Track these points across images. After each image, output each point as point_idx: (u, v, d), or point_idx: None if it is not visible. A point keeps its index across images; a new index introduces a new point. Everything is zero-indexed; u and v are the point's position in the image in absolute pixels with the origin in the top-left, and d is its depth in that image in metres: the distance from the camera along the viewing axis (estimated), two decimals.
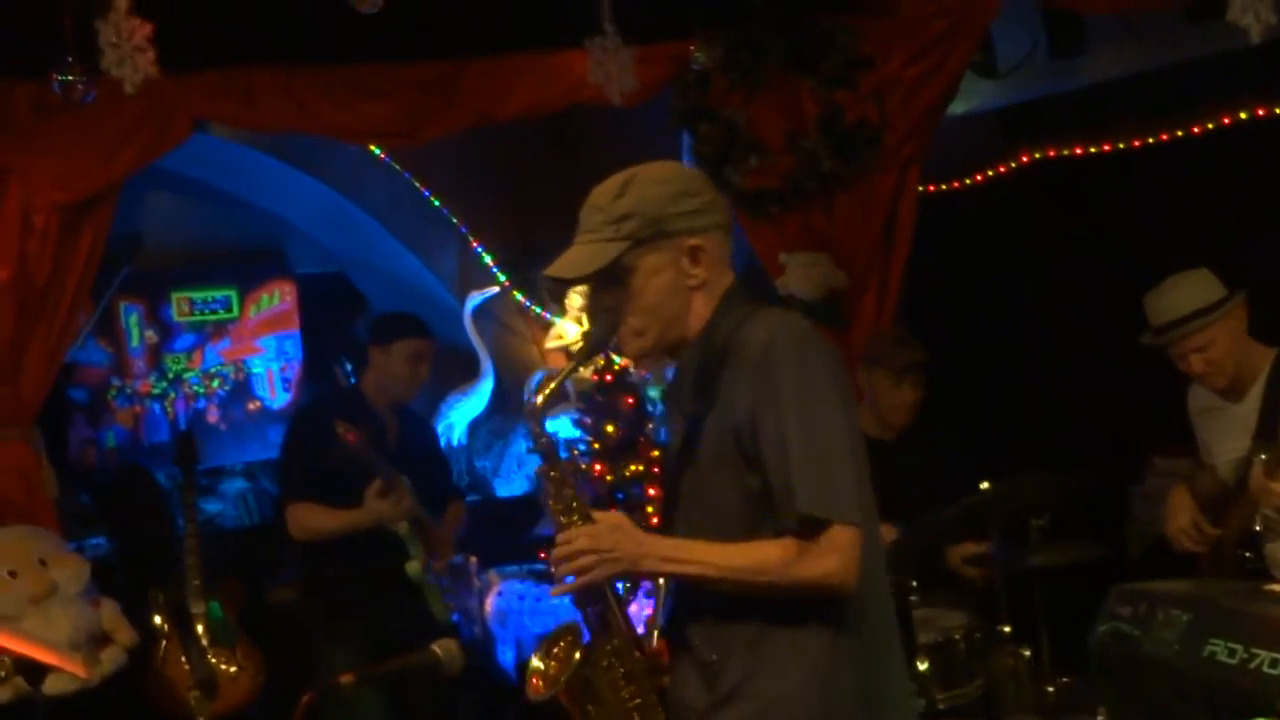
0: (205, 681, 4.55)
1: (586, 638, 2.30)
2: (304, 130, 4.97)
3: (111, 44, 3.50)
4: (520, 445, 6.70)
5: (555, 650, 2.28)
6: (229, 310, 6.83)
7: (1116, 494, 5.34)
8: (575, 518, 2.23)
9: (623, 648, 2.27)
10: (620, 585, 2.30)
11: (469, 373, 6.54)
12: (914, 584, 3.73)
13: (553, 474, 2.28)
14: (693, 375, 2.26)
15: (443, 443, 6.53)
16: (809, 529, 2.07)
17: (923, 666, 3.67)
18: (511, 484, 6.59)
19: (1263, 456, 3.15)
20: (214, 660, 4.61)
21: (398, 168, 6.32)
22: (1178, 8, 4.99)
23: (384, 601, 4.11)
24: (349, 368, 6.23)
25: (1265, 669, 2.34)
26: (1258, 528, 3.39)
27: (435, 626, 4.13)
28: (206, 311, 6.80)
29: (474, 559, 5.70)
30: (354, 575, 4.12)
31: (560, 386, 2.38)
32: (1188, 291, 3.47)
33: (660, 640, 2.36)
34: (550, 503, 2.27)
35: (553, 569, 2.21)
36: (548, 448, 2.31)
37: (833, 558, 2.07)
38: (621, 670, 2.26)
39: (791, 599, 2.11)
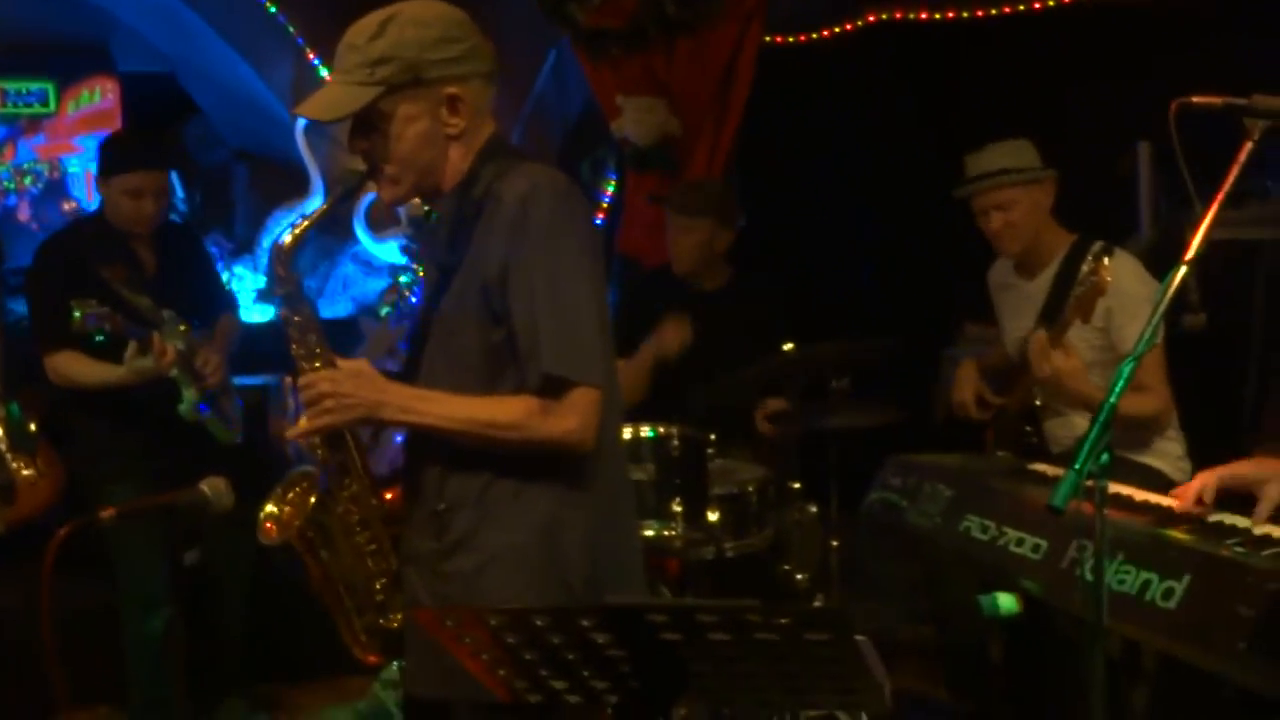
0: (3, 486, 4.40)
1: (325, 485, 2.27)
2: None
3: None
4: (348, 266, 6.54)
5: (290, 496, 2.25)
6: (45, 104, 6.41)
7: (930, 357, 5.49)
8: (319, 363, 2.19)
9: (360, 493, 2.26)
10: (366, 432, 2.27)
11: (299, 189, 6.31)
12: (711, 437, 3.77)
13: (297, 318, 2.23)
14: (449, 225, 2.21)
15: (266, 262, 6.37)
16: (552, 387, 2.07)
17: (713, 517, 3.72)
18: (335, 305, 6.43)
19: (1044, 331, 3.25)
20: (13, 464, 4.45)
21: None
22: None
23: (163, 434, 3.93)
24: (172, 174, 5.96)
25: (1012, 547, 2.44)
26: (1038, 402, 3.52)
27: (221, 450, 4.02)
28: (20, 104, 6.38)
29: (289, 378, 5.60)
30: (124, 416, 3.91)
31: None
32: (1004, 152, 3.54)
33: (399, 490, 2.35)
34: (294, 347, 2.22)
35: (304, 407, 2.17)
36: (293, 291, 2.25)
37: (573, 418, 2.07)
38: (357, 516, 2.25)
39: (523, 454, 2.11)
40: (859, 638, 1.51)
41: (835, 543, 3.98)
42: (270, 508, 2.22)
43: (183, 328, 3.89)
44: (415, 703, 2.25)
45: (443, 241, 2.23)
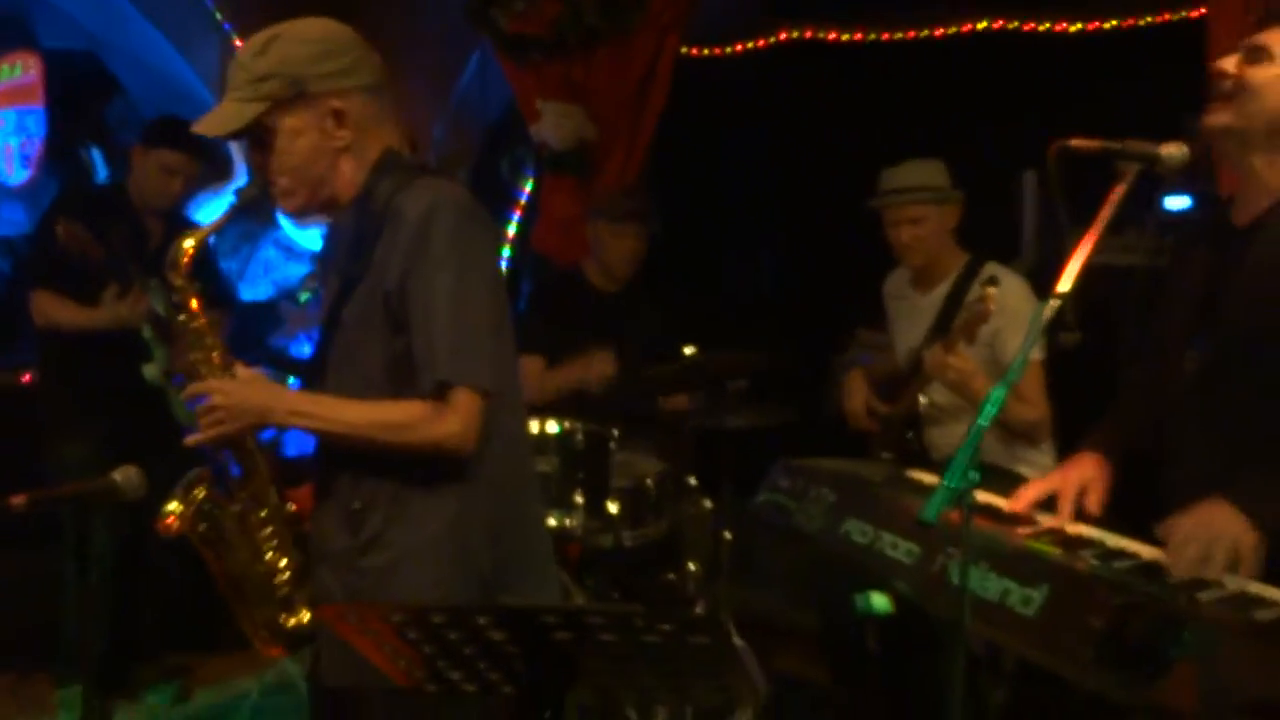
0: None
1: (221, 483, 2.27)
2: None
3: None
4: (269, 250, 6.46)
5: (194, 493, 2.22)
6: None
7: (823, 360, 5.58)
8: (212, 369, 2.19)
9: (259, 491, 2.25)
10: (269, 433, 2.27)
11: (221, 174, 6.20)
12: (615, 432, 3.80)
13: (194, 325, 2.22)
14: (349, 237, 2.20)
15: None
16: (439, 392, 2.09)
17: (614, 508, 3.76)
18: (256, 288, 6.35)
19: (939, 345, 3.34)
20: None
21: None
22: None
23: (122, 402, 3.95)
24: (94, 153, 5.83)
25: (888, 551, 2.47)
26: (919, 409, 3.61)
27: (176, 429, 3.97)
28: None
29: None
30: (92, 372, 3.95)
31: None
32: (921, 170, 3.63)
33: (304, 491, 2.34)
34: (191, 354, 2.21)
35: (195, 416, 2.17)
36: (191, 298, 2.23)
37: (453, 420, 2.09)
38: (261, 514, 2.25)
39: (431, 459, 2.13)
40: (737, 642, 1.55)
41: (728, 535, 4.05)
42: (172, 504, 2.20)
43: (163, 303, 3.88)
44: (328, 692, 2.23)
45: (343, 253, 2.22)
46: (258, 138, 2.16)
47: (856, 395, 3.72)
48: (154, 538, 4.01)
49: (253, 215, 6.19)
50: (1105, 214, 2.18)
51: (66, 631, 3.95)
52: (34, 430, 4.10)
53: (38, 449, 4.04)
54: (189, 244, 2.22)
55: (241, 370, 2.21)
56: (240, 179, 6.20)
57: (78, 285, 3.89)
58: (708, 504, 4.07)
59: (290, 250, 6.27)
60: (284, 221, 6.19)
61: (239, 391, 2.15)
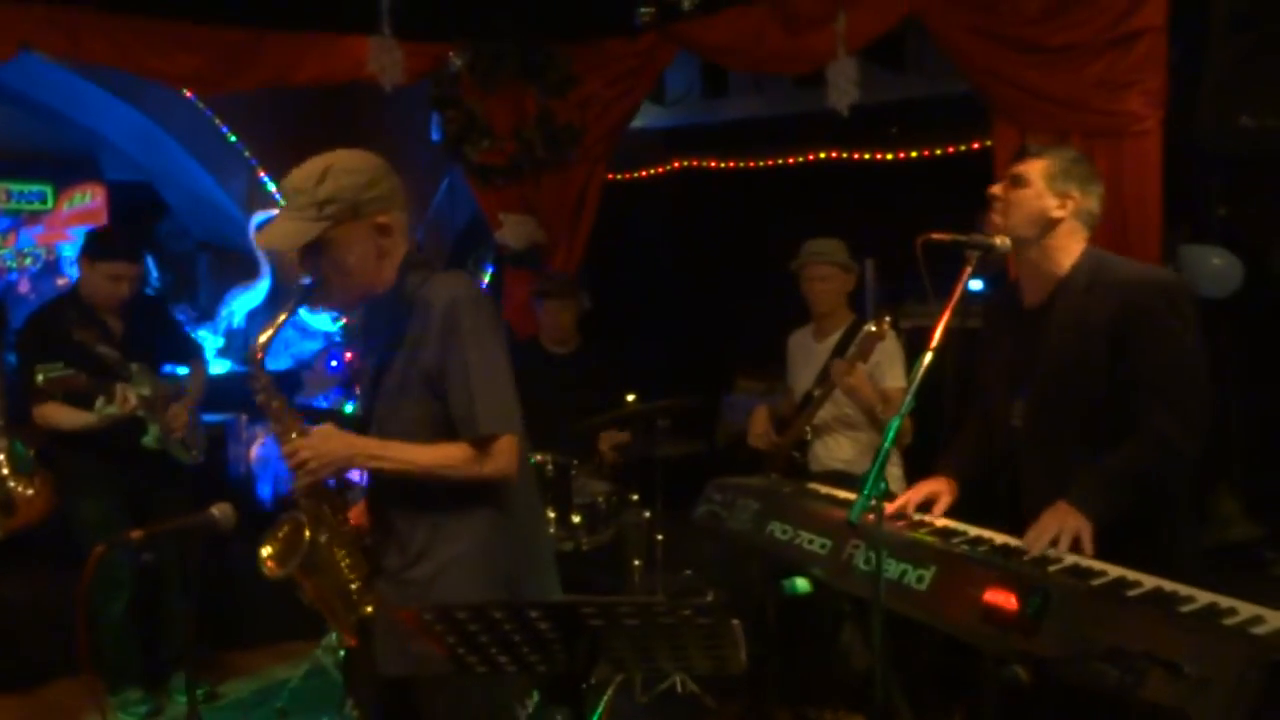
0: (4, 502, 3.98)
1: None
2: (122, 69, 4.29)
3: None
4: (288, 330, 6.25)
5: (279, 535, 2.11)
6: (44, 203, 5.92)
7: (713, 401, 5.59)
8: (295, 433, 2.08)
9: (336, 523, 2.15)
10: (331, 480, 2.16)
11: (250, 272, 6.02)
12: (575, 461, 3.76)
13: (273, 403, 2.12)
14: (385, 320, 2.13)
15: (224, 326, 6.03)
16: (485, 439, 2.03)
17: (576, 519, 3.70)
18: (279, 360, 6.14)
19: (842, 360, 3.38)
20: (13, 485, 4.06)
21: (201, 106, 5.66)
22: (789, 74, 5.17)
23: (127, 463, 3.64)
24: (150, 262, 5.59)
25: (805, 545, 2.46)
26: (807, 438, 3.62)
27: (182, 468, 3.75)
28: (23, 202, 5.87)
29: (244, 416, 5.30)
30: (98, 447, 3.61)
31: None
32: (830, 244, 3.65)
33: (361, 510, 2.24)
34: (272, 424, 2.11)
35: (291, 472, 2.05)
36: (266, 381, 2.13)
37: (502, 459, 2.04)
38: (336, 540, 2.14)
39: (463, 486, 2.06)
40: (734, 622, 1.50)
41: (660, 537, 4.00)
42: (266, 549, 2.08)
43: (148, 382, 3.59)
44: (384, 681, 2.11)
45: (380, 332, 2.14)
46: (315, 249, 2.06)
47: (759, 425, 3.70)
48: (179, 563, 3.84)
49: (277, 302, 6.00)
50: (959, 288, 2.22)
51: (114, 643, 3.70)
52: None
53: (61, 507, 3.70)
54: (263, 339, 2.11)
55: (316, 428, 2.09)
56: (265, 279, 6.02)
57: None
58: (646, 514, 4.01)
59: (305, 330, 6.08)
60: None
61: (323, 444, 2.04)
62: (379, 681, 2.10)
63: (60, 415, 3.58)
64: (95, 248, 3.64)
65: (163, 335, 3.92)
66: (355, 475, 2.62)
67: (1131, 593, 1.88)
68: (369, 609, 2.11)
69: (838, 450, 3.59)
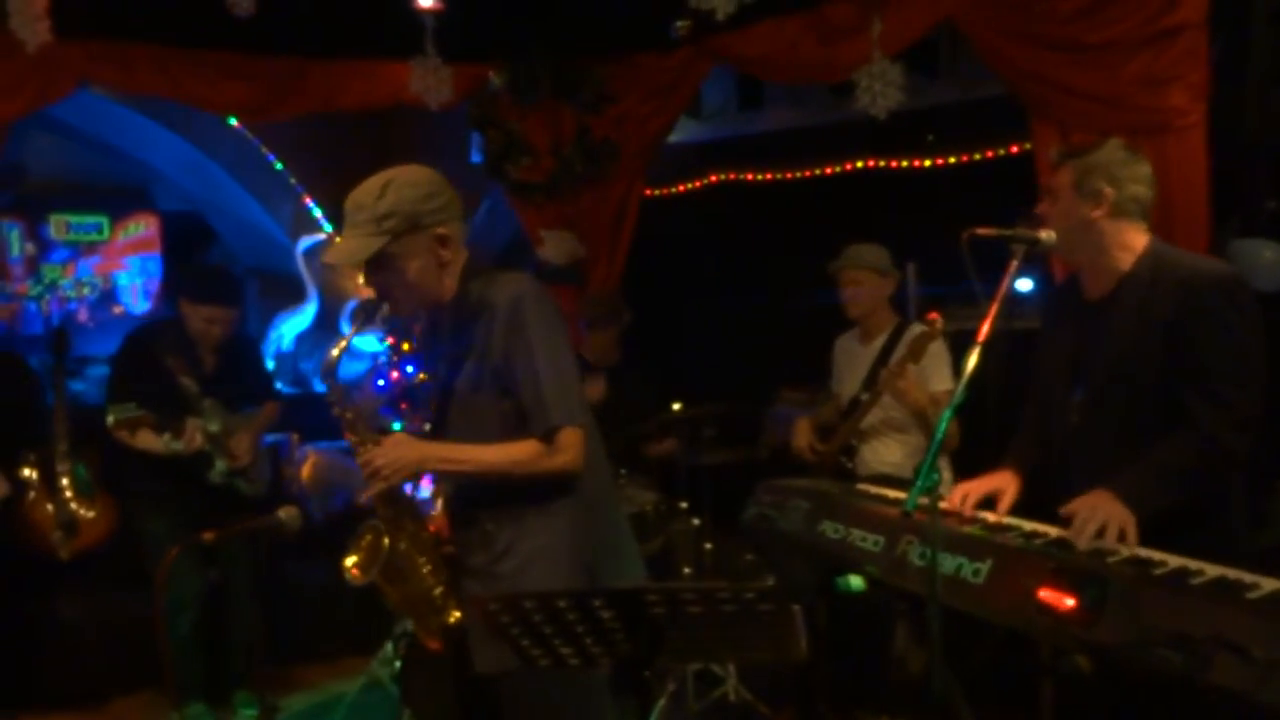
0: (67, 523, 4.11)
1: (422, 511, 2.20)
2: (174, 99, 4.42)
3: (17, 10, 3.02)
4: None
5: (362, 544, 2.15)
6: (100, 233, 6.12)
7: (757, 412, 5.58)
8: (369, 443, 2.12)
9: (415, 530, 2.18)
10: (408, 485, 2.20)
11: (298, 297, 6.15)
12: (622, 471, 3.78)
13: (347, 414, 2.17)
14: (451, 325, 2.17)
15: (273, 350, 6.14)
16: (552, 433, 2.06)
17: None
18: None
19: (893, 366, 3.38)
20: (75, 507, 4.18)
21: (248, 135, 5.81)
22: (826, 83, 5.19)
23: (196, 487, 3.75)
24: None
25: (857, 543, 2.45)
26: (854, 443, 3.61)
27: (245, 500, 3.82)
28: (80, 233, 6.07)
29: (296, 436, 5.40)
30: (168, 474, 3.72)
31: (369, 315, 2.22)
32: (866, 250, 3.64)
33: (440, 517, 2.27)
34: (347, 434, 2.15)
35: (364, 479, 2.09)
36: (341, 394, 2.17)
37: (570, 452, 2.07)
38: (416, 547, 2.18)
39: (541, 481, 2.09)
40: (794, 607, 1.51)
41: (709, 545, 4.00)
42: (350, 559, 2.12)
43: (218, 418, 3.70)
44: (472, 678, 2.14)
45: (446, 338, 2.18)
46: (379, 262, 2.10)
47: (803, 436, 3.70)
48: (244, 581, 3.93)
49: (326, 327, 6.11)
50: (1006, 282, 2.21)
51: (180, 659, 3.76)
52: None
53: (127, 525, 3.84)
54: (335, 354, 2.15)
55: (385, 437, 2.13)
56: (313, 302, 6.14)
57: (146, 403, 3.66)
58: (695, 522, 4.01)
59: (351, 351, 6.18)
60: (345, 329, 6.11)
61: (394, 451, 2.08)
62: (460, 683, 2.12)
63: (136, 436, 3.68)
64: (192, 290, 3.71)
65: (248, 376, 4.03)
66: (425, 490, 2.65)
67: (1195, 580, 1.86)
68: (454, 615, 2.14)
69: (886, 453, 3.58)
